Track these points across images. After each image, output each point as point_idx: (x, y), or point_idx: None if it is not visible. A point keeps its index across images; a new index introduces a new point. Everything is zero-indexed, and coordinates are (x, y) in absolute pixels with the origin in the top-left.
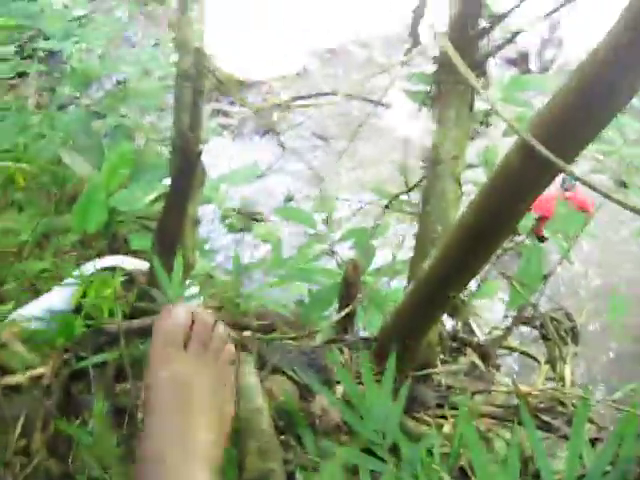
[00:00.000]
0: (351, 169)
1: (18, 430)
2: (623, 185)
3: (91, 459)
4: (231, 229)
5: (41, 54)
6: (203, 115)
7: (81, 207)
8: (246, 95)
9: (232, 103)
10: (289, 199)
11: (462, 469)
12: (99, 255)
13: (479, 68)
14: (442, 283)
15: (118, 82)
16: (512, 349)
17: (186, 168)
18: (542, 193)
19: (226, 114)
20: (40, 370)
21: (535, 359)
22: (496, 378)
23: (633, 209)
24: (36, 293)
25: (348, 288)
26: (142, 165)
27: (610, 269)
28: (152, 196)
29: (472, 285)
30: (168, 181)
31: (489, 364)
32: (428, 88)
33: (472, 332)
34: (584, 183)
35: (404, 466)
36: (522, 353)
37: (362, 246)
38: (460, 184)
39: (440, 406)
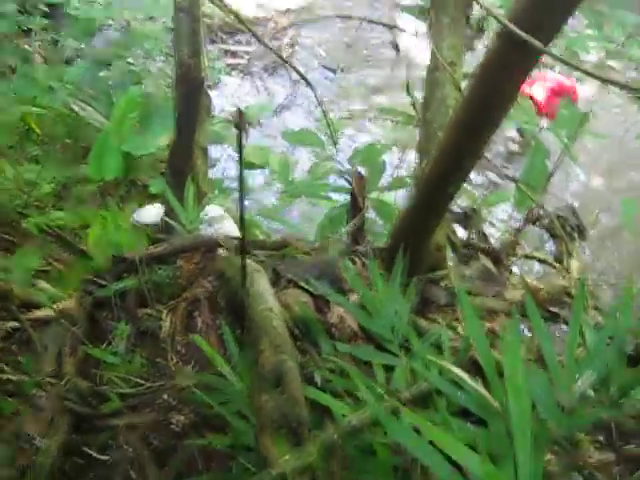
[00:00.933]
0: (363, 97)
1: (49, 357)
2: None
3: (118, 378)
4: (247, 166)
5: (43, 8)
6: (202, 42)
7: (96, 155)
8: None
9: (238, 42)
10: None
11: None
12: (119, 203)
13: None
14: (441, 181)
15: (123, 29)
16: (526, 256)
17: (190, 95)
18: (525, 77)
19: (234, 54)
20: (66, 303)
21: (546, 262)
22: (509, 280)
23: (612, 82)
24: (62, 242)
25: (355, 200)
26: (152, 109)
27: (616, 172)
28: (165, 139)
29: (482, 193)
30: None
31: (501, 267)
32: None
33: (485, 239)
34: (562, 62)
35: (415, 359)
36: (531, 258)
37: (371, 162)
38: (460, 90)
39: (452, 306)
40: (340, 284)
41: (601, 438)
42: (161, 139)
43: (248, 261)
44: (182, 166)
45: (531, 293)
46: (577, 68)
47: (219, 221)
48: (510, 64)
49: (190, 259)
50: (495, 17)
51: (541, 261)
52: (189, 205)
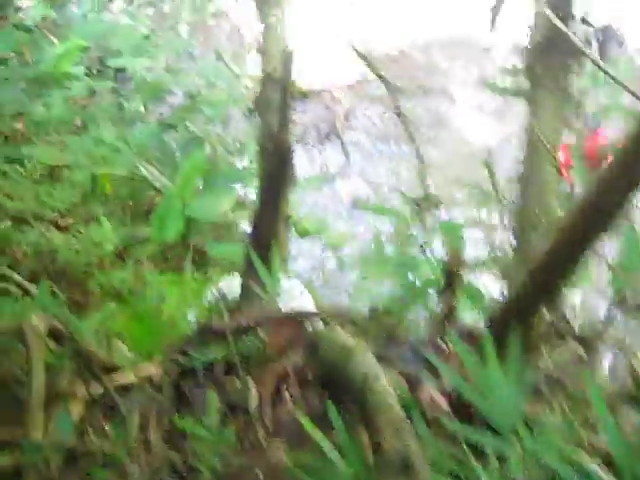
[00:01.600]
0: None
1: (135, 425)
2: None
3: (210, 453)
4: (302, 234)
5: (110, 72)
6: (291, 116)
7: (159, 217)
8: (309, 104)
9: (293, 110)
10: (356, 203)
11: None
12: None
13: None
14: (558, 268)
15: (188, 95)
16: (611, 342)
17: (280, 168)
18: None
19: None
20: (149, 368)
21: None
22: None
23: None
24: (120, 300)
25: (450, 278)
26: (215, 174)
27: None
28: (227, 205)
29: None
30: (241, 189)
31: (593, 354)
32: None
33: (568, 323)
34: None
35: (527, 454)
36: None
37: (454, 241)
38: (559, 170)
39: (551, 392)
40: (429, 365)
41: None
42: (223, 205)
43: (348, 337)
44: (266, 236)
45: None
46: None
47: (297, 295)
48: None
49: (278, 331)
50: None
51: (628, 351)
52: (276, 275)
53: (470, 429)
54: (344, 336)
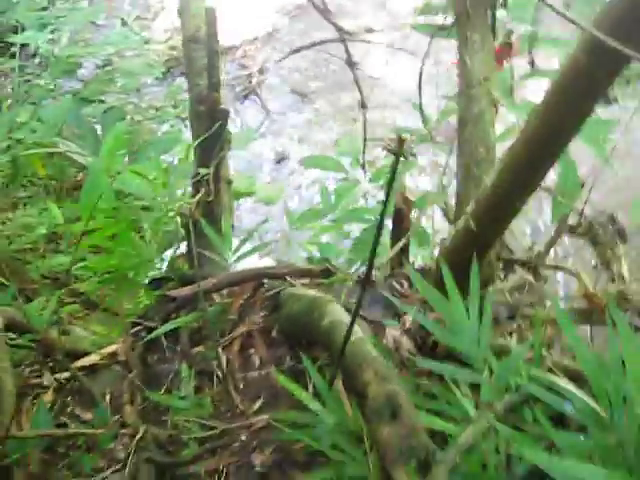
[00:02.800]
0: (334, 121)
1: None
2: None
3: (190, 423)
4: (234, 195)
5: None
6: (219, 76)
7: (87, 194)
8: (222, 62)
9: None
10: (281, 159)
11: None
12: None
13: None
14: (509, 197)
15: (98, 67)
16: (558, 268)
17: (217, 128)
18: (604, 93)
19: None
20: (112, 347)
21: (572, 273)
22: (545, 290)
23: None
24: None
25: (399, 221)
26: (139, 144)
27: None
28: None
29: None
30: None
31: (538, 279)
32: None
33: (511, 252)
34: None
35: (497, 378)
36: (564, 270)
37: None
38: (495, 105)
39: (512, 319)
40: (392, 308)
41: None
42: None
43: (318, 293)
44: (211, 202)
45: (590, 300)
46: None
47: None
48: (595, 79)
49: (239, 294)
50: (584, 28)
51: (569, 272)
52: (228, 238)
53: (442, 364)
54: (307, 290)
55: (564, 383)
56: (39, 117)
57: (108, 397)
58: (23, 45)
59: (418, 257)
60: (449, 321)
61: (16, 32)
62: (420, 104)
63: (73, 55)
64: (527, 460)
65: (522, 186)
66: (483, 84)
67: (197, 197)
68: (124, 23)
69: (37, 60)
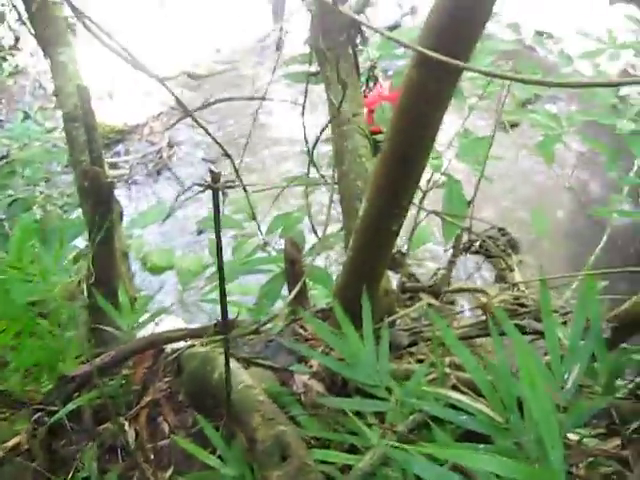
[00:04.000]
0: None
1: None
2: None
3: None
4: (154, 270)
5: None
6: (100, 150)
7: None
8: (131, 143)
9: (117, 154)
10: (200, 231)
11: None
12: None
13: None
14: (382, 221)
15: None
16: (460, 290)
17: (103, 201)
18: (447, 105)
19: (114, 166)
20: (14, 440)
21: (480, 290)
22: (453, 310)
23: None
24: None
25: (292, 266)
26: (48, 232)
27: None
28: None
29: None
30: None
31: (442, 301)
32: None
33: (418, 280)
34: (487, 74)
35: (403, 403)
36: (467, 290)
37: (291, 231)
38: (368, 137)
39: (411, 345)
40: (297, 354)
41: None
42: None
43: (208, 348)
44: (107, 275)
45: (487, 310)
46: (503, 77)
47: (157, 317)
48: (434, 92)
49: (140, 363)
50: (412, 47)
51: (475, 291)
52: (126, 309)
53: (345, 400)
54: (203, 349)
55: (465, 398)
56: None
57: None
58: None
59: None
60: (347, 356)
61: None
62: (309, 151)
63: None
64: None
65: (391, 207)
66: (353, 120)
67: (77, 277)
68: (27, 116)
69: None
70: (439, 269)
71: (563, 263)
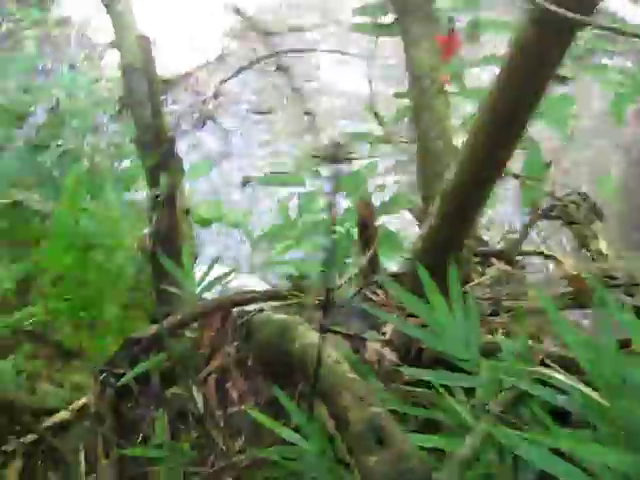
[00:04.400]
0: (296, 136)
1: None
2: None
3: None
4: (201, 223)
5: None
6: (161, 103)
7: (53, 243)
8: (176, 92)
9: (163, 102)
10: (247, 181)
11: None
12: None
13: None
14: (474, 186)
15: (49, 110)
16: (529, 253)
17: (165, 156)
18: (558, 66)
19: None
20: (81, 401)
21: (550, 256)
22: (526, 278)
23: None
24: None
25: (365, 229)
26: (99, 184)
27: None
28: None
29: None
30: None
31: (516, 267)
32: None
33: (486, 244)
34: (610, 29)
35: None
36: (538, 254)
37: (358, 190)
38: (445, 93)
39: (496, 315)
40: (371, 320)
41: None
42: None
43: (286, 316)
44: (170, 233)
45: (572, 282)
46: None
47: (226, 278)
48: (548, 52)
49: (208, 326)
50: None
51: (547, 256)
52: (189, 269)
53: (431, 371)
54: (275, 314)
55: (559, 375)
56: None
57: (82, 454)
58: None
59: (390, 263)
60: (433, 324)
61: None
62: (373, 106)
63: (21, 103)
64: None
65: (486, 174)
66: (432, 74)
67: (147, 230)
68: (72, 66)
69: None
70: (508, 232)
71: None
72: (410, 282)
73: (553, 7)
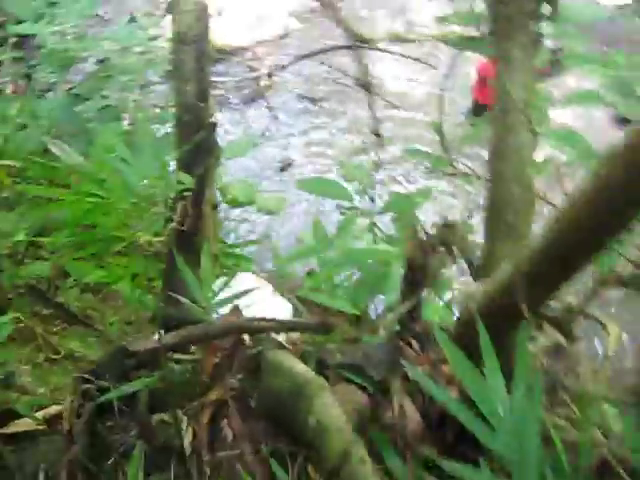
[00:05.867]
0: (343, 131)
1: None
2: None
3: None
4: (232, 204)
5: (14, 40)
6: (209, 81)
7: (74, 198)
8: (230, 64)
9: (214, 73)
10: (286, 166)
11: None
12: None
13: None
14: (578, 255)
15: (99, 62)
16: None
17: (203, 142)
18: None
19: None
20: (53, 409)
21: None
22: (580, 352)
23: None
24: (39, 295)
25: (413, 271)
26: (135, 145)
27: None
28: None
29: None
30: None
31: (570, 339)
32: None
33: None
34: None
35: None
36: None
37: (406, 217)
38: (535, 134)
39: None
40: (401, 371)
41: None
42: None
43: (305, 368)
44: (194, 227)
45: None
46: None
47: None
48: None
49: (214, 349)
50: None
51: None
52: (208, 274)
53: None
54: (294, 361)
55: None
56: (32, 112)
57: (41, 476)
58: (27, 36)
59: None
60: (480, 402)
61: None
62: (440, 127)
63: (73, 49)
64: None
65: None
66: (523, 111)
67: (171, 225)
68: (132, 19)
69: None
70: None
71: None
72: (457, 340)
73: None
